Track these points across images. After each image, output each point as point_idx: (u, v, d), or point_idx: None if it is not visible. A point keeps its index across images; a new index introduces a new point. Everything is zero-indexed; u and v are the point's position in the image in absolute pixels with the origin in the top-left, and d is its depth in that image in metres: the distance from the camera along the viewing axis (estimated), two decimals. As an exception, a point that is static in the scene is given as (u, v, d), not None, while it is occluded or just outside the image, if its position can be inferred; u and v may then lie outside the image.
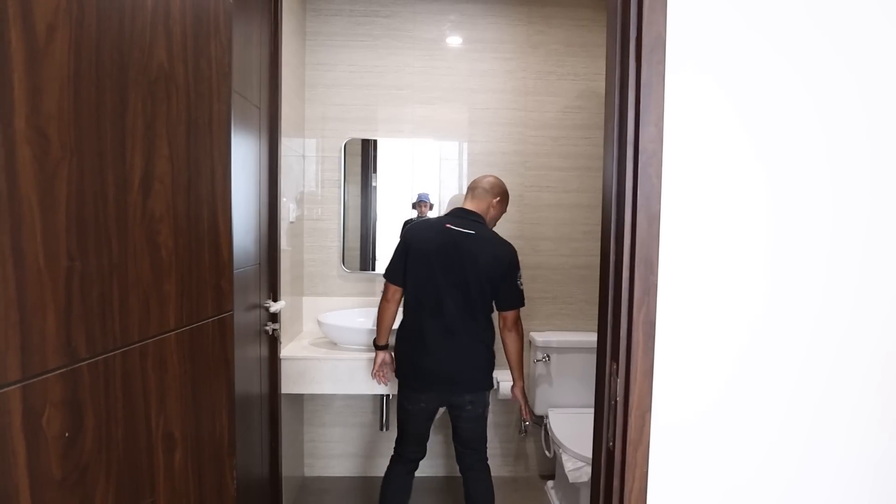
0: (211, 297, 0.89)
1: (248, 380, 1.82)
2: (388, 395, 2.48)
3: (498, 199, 2.06)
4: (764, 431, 1.02)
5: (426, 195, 2.68)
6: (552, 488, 2.59)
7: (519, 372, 2.05)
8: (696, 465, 1.03)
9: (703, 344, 1.01)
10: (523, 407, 2.10)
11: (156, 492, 0.76)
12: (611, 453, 1.08)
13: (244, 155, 1.74)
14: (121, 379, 0.68)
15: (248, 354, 1.82)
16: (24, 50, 0.53)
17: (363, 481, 2.67)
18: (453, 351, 1.91)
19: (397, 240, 2.09)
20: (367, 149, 2.65)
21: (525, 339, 2.71)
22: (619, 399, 1.04)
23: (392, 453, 2.10)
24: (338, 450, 2.75)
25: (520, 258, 2.68)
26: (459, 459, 2.07)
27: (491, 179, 2.07)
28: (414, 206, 2.67)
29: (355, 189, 2.67)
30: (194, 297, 0.84)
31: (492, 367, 2.00)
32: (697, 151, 0.99)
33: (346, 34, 2.61)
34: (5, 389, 0.52)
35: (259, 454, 2.00)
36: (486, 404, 2.01)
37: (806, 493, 1.03)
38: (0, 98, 0.51)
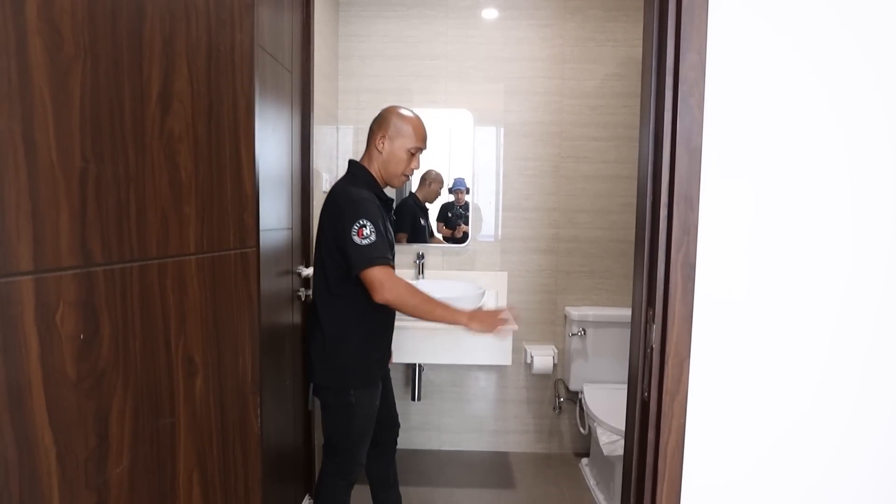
0: (233, 230, 0.88)
1: (281, 346, 1.84)
2: (419, 365, 2.47)
3: (380, 134, 1.61)
4: (809, 378, 0.94)
5: (461, 181, 2.62)
6: (587, 465, 2.53)
7: (441, 311, 1.50)
8: (738, 417, 0.96)
9: (748, 287, 0.94)
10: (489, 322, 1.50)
11: (176, 413, 0.76)
12: (646, 404, 1.03)
13: (275, 116, 1.74)
14: (138, 292, 0.68)
15: (281, 320, 1.84)
16: (33, -64, 0.53)
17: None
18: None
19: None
20: (401, 120, 2.62)
21: (560, 314, 2.65)
22: (656, 347, 0.99)
23: (339, 480, 1.67)
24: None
25: (555, 231, 2.63)
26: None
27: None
28: (451, 191, 2.62)
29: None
30: (215, 225, 0.83)
31: (337, 358, 1.59)
32: (744, 79, 0.92)
33: (379, 4, 2.59)
34: (17, 279, 0.52)
35: (293, 420, 2.02)
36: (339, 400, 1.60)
37: (854, 439, 0.95)
38: (9, -18, 0.51)
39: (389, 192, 2.23)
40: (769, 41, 0.90)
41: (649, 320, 1.01)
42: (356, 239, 1.46)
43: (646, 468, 1.02)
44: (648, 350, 1.01)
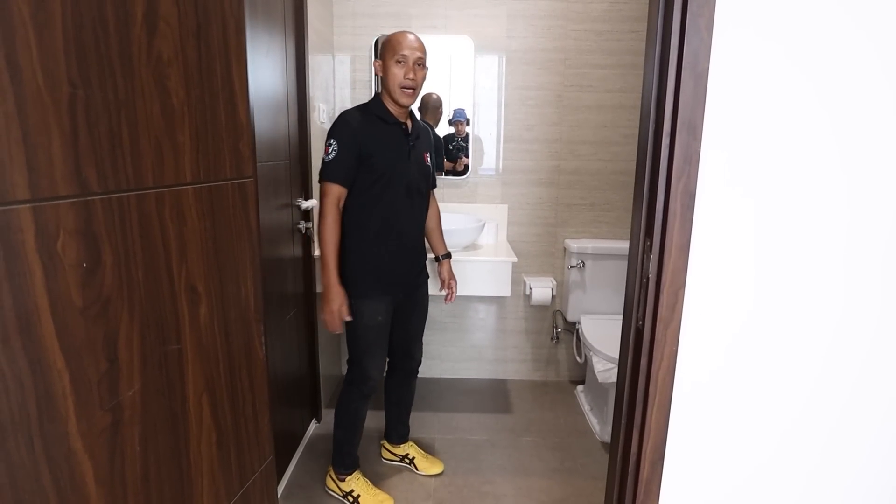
0: (229, 159, 0.87)
1: (283, 279, 1.86)
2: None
3: (376, 61, 1.66)
4: (800, 313, 0.96)
5: (462, 112, 2.56)
6: (581, 392, 2.63)
7: (325, 267, 1.60)
8: (732, 350, 0.99)
9: (750, 218, 0.94)
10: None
11: (182, 340, 0.78)
12: (640, 332, 1.05)
13: (268, 42, 1.67)
14: (137, 221, 0.68)
15: (282, 253, 1.85)
16: None
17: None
18: None
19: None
20: (399, 47, 2.52)
21: (559, 246, 2.67)
22: (652, 276, 1.00)
23: (353, 389, 1.79)
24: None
25: (557, 163, 2.60)
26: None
27: None
28: (451, 123, 2.56)
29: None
30: (211, 154, 0.82)
31: (343, 267, 1.67)
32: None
33: (374, -82, 2.42)
34: (15, 207, 0.52)
35: (297, 351, 2.08)
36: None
37: (843, 368, 0.99)
38: None
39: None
40: (786, -44, 0.85)
41: (647, 250, 1.01)
42: (323, 154, 1.62)
43: (637, 393, 1.06)
44: (645, 279, 1.02)
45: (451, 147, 2.59)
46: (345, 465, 1.83)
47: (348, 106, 2.58)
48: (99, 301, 0.63)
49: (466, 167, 2.60)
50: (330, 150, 1.59)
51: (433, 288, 2.00)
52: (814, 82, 0.88)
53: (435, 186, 1.90)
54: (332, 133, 1.60)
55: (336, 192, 1.59)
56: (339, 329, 1.65)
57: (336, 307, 1.61)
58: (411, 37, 1.61)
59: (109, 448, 0.66)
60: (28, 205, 0.53)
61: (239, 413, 0.95)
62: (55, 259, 0.57)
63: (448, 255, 1.97)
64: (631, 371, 1.09)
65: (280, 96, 1.80)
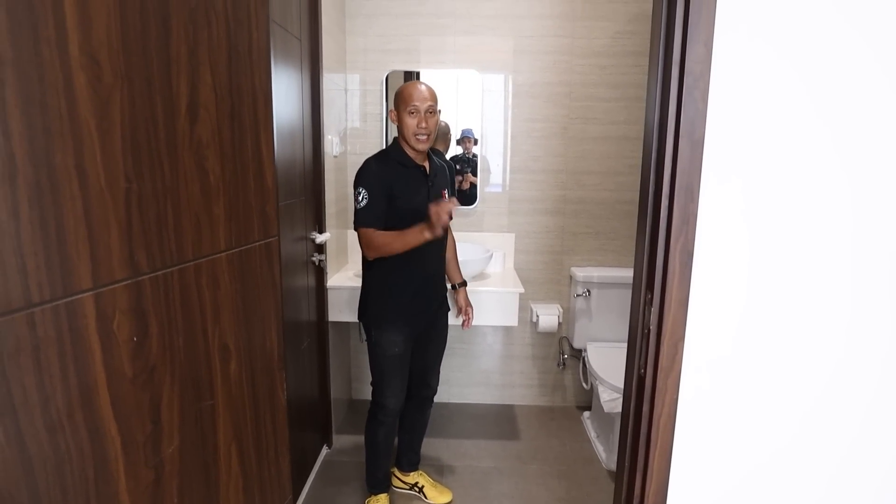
0: (257, 222, 0.94)
1: (296, 307, 1.93)
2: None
3: (392, 112, 1.77)
4: (801, 370, 1.01)
5: (469, 131, 2.64)
6: (588, 418, 2.67)
7: (410, 237, 1.65)
8: (728, 396, 1.04)
9: (744, 276, 0.99)
10: None
11: (214, 395, 0.84)
12: (642, 380, 1.10)
13: (286, 88, 1.75)
14: (179, 293, 0.75)
15: (296, 284, 1.92)
16: (72, -24, 0.56)
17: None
18: None
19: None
20: (410, 80, 2.61)
21: (566, 274, 2.73)
22: (653, 328, 1.06)
23: (372, 416, 1.93)
24: (356, 375, 2.89)
25: (563, 192, 2.66)
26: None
27: None
28: (458, 142, 2.65)
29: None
30: (242, 221, 0.89)
31: (366, 300, 1.84)
32: (750, 74, 0.94)
33: (386, -41, 2.52)
34: (80, 296, 0.59)
35: (309, 377, 2.14)
36: (368, 338, 1.85)
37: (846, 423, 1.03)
38: (55, 27, 0.54)
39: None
40: (776, 37, 0.92)
41: (647, 303, 1.07)
42: (355, 203, 1.72)
43: (640, 437, 1.11)
44: (646, 331, 1.08)
45: (457, 166, 2.66)
46: (370, 485, 2.00)
47: (360, 139, 2.67)
48: (146, 370, 0.69)
49: (473, 186, 2.66)
50: (360, 198, 1.69)
51: (451, 316, 2.07)
52: (802, 151, 0.94)
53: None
54: (360, 181, 1.70)
55: (373, 235, 1.70)
56: (446, 220, 1.60)
57: (438, 215, 1.57)
58: (422, 87, 1.71)
59: (152, 502, 0.72)
60: (91, 293, 0.60)
61: (263, 457, 1.01)
62: (111, 337, 0.63)
63: (464, 283, 2.07)
64: (634, 416, 1.14)
65: (297, 133, 1.88)
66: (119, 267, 0.64)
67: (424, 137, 1.70)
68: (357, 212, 1.70)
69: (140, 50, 0.66)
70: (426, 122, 1.69)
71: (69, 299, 0.57)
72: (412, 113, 1.69)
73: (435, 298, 1.90)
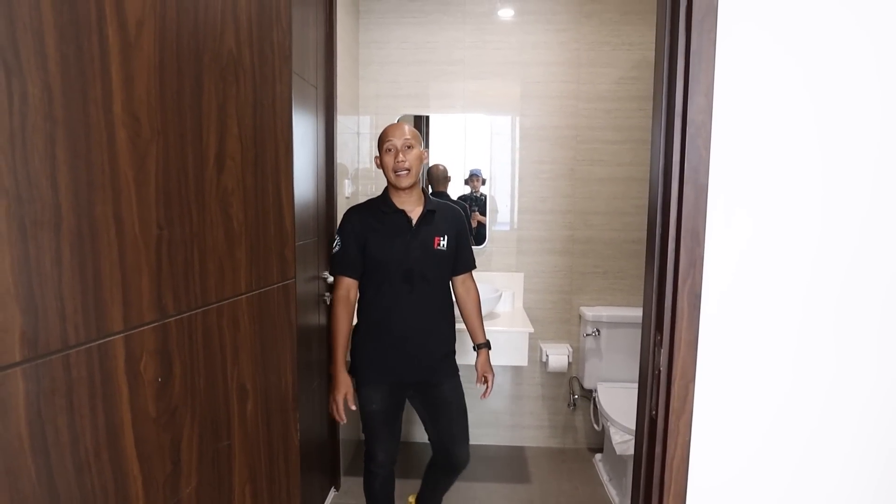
0: (276, 265, 0.97)
1: (307, 348, 1.94)
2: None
3: (377, 156, 1.82)
4: (815, 401, 1.01)
5: (478, 170, 2.71)
6: (600, 461, 2.62)
7: (334, 353, 1.75)
8: (741, 437, 1.04)
9: (751, 316, 1.01)
10: None
11: (231, 435, 0.86)
12: (653, 421, 1.10)
13: (302, 133, 1.82)
14: (201, 335, 0.77)
15: (307, 322, 1.94)
16: (119, 44, 0.61)
17: (411, 447, 2.78)
18: None
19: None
20: (420, 125, 2.69)
21: (575, 313, 2.73)
22: (663, 369, 1.06)
23: (366, 466, 1.85)
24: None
25: (571, 233, 2.69)
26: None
27: None
28: (466, 181, 2.71)
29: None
30: (261, 264, 0.93)
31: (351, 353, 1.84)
32: (749, 122, 0.98)
33: (398, 11, 2.64)
34: (112, 338, 0.62)
35: (319, 417, 2.13)
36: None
37: (849, 453, 1.02)
38: (102, 87, 0.59)
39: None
40: (782, 75, 0.96)
41: (657, 344, 1.08)
42: (332, 250, 1.79)
43: (653, 479, 1.10)
44: (657, 372, 1.09)
45: (465, 204, 2.70)
46: None
47: (371, 180, 2.74)
48: (169, 410, 0.71)
49: (481, 225, 2.70)
50: (335, 245, 1.75)
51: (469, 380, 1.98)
52: (805, 187, 0.97)
53: (467, 270, 1.87)
54: (338, 229, 1.77)
55: (345, 283, 1.74)
56: (343, 418, 1.73)
57: (340, 396, 1.70)
58: (398, 124, 1.73)
59: (169, 544, 0.73)
60: (121, 335, 0.63)
61: (275, 498, 1.01)
62: (138, 378, 0.66)
63: (484, 345, 1.88)
64: (646, 458, 1.13)
65: (311, 175, 1.94)
66: (148, 310, 0.67)
67: (405, 173, 1.67)
68: (331, 258, 1.78)
69: (175, 106, 0.71)
70: (404, 156, 1.66)
71: (102, 341, 0.60)
72: (388, 150, 1.69)
73: (416, 357, 1.75)
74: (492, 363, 1.92)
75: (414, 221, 1.73)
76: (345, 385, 1.71)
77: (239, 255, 0.86)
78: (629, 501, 1.77)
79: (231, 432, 0.86)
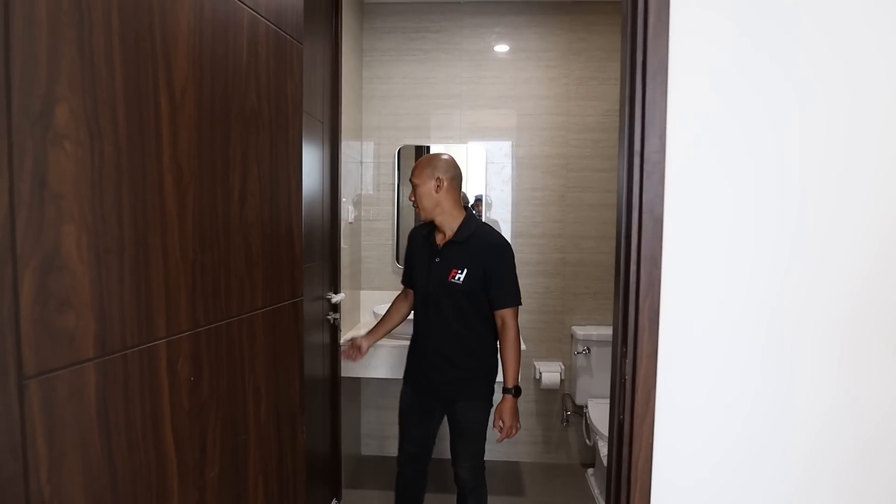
0: (287, 285, 1.12)
1: (312, 364, 2.08)
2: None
3: None
4: (757, 418, 1.14)
5: (482, 196, 2.87)
6: (592, 475, 2.72)
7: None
8: (699, 439, 1.16)
9: (704, 329, 1.14)
10: None
11: (248, 431, 1.00)
12: (622, 425, 1.23)
13: (309, 163, 1.99)
14: (225, 343, 0.92)
15: (312, 341, 2.08)
16: (168, 108, 0.77)
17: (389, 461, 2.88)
18: None
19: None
20: (420, 154, 2.87)
21: (567, 333, 2.86)
22: (628, 377, 1.20)
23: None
24: (392, 431, 2.98)
25: (562, 256, 2.84)
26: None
27: None
28: (472, 207, 2.86)
29: (408, 191, 2.90)
30: (275, 284, 1.07)
31: None
32: (697, 159, 1.13)
33: (399, 49, 2.84)
34: (157, 343, 0.76)
35: (322, 431, 2.25)
36: None
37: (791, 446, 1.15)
38: (155, 142, 0.75)
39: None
40: (723, 121, 1.11)
41: (623, 355, 1.22)
42: None
43: (621, 478, 1.22)
44: (623, 380, 1.22)
45: None
46: None
47: (373, 206, 2.91)
48: (198, 405, 0.85)
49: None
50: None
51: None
52: (748, 216, 1.12)
53: (500, 307, 1.83)
54: None
55: (404, 288, 2.09)
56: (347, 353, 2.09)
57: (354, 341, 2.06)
58: (416, 163, 1.91)
59: (196, 520, 0.86)
60: (164, 340, 0.78)
61: (284, 493, 1.14)
62: (175, 376, 0.80)
63: (512, 391, 1.82)
64: (616, 459, 1.26)
65: (317, 202, 2.10)
66: (184, 320, 0.82)
67: (417, 209, 1.89)
68: None
69: (208, 154, 0.87)
70: (413, 195, 1.88)
71: (150, 344, 0.75)
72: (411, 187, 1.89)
73: (433, 374, 1.87)
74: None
75: (439, 250, 1.86)
76: (359, 339, 2.05)
77: (256, 276, 1.01)
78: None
79: (247, 428, 1.00)
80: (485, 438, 1.91)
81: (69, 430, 0.63)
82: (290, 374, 1.15)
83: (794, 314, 1.12)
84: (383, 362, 2.49)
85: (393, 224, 2.90)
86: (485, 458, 1.94)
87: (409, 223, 2.89)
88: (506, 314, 1.84)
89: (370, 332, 2.08)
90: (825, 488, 1.15)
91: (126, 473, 0.71)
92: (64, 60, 0.61)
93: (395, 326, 2.11)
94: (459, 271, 1.81)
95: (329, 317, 2.27)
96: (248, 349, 0.99)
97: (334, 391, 2.36)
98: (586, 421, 2.74)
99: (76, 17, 0.62)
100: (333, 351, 2.35)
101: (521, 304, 1.87)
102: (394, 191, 2.89)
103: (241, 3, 0.95)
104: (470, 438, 1.89)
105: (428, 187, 1.83)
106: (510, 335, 1.84)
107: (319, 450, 2.22)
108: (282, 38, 1.09)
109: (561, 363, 2.83)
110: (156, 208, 0.75)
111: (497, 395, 1.87)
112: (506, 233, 2.88)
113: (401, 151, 2.87)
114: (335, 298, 2.26)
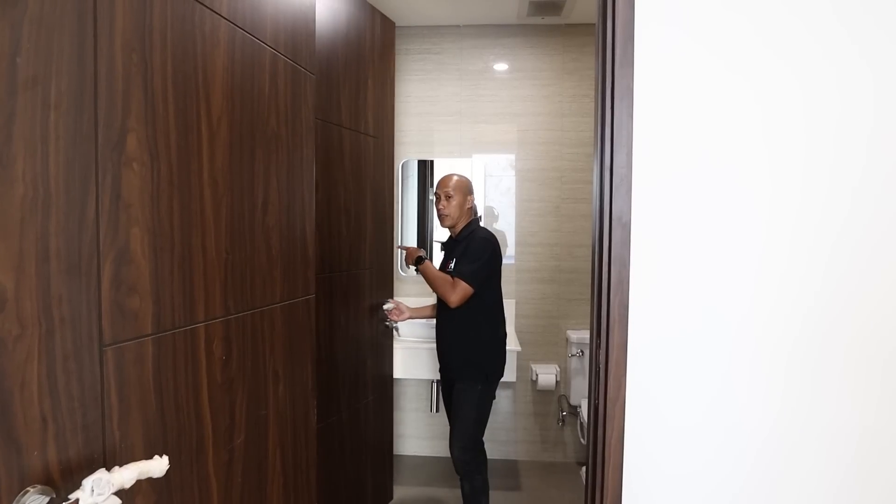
0: (301, 283, 1.29)
1: (376, 363, 2.25)
2: (436, 380, 2.84)
3: None
4: (711, 385, 1.29)
5: (491, 209, 3.05)
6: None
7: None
8: (666, 422, 1.31)
9: (670, 322, 1.30)
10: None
11: (268, 407, 1.16)
12: (597, 409, 1.38)
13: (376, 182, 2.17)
14: (250, 329, 1.09)
15: (382, 342, 2.25)
16: (207, 134, 0.95)
17: (421, 460, 3.03)
18: None
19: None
20: (424, 168, 3.05)
21: (562, 336, 3.01)
22: (602, 366, 1.35)
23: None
24: (424, 431, 3.12)
25: (557, 263, 3.00)
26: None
27: None
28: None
29: (412, 203, 3.08)
30: (291, 281, 1.24)
31: None
32: (661, 174, 1.29)
33: (402, 70, 3.03)
34: (198, 325, 0.93)
35: (385, 429, 2.41)
36: None
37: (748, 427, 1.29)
38: (197, 162, 0.92)
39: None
40: (683, 139, 1.27)
41: (598, 346, 1.37)
42: None
43: (597, 457, 1.37)
44: (598, 369, 1.37)
45: None
46: None
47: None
48: (228, 380, 1.02)
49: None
50: None
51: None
52: (706, 226, 1.27)
53: (454, 275, 2.15)
54: None
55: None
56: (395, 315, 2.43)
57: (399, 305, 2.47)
58: (446, 177, 2.21)
59: (225, 475, 1.02)
60: (203, 324, 0.94)
61: (298, 466, 1.30)
62: (211, 355, 0.97)
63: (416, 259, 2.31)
64: (593, 440, 1.41)
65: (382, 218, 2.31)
66: (219, 308, 0.99)
67: (443, 217, 2.20)
68: None
69: (238, 170, 1.04)
70: (444, 204, 2.17)
71: (192, 326, 0.92)
72: (437, 197, 2.20)
73: (441, 359, 2.30)
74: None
75: (446, 247, 2.34)
76: (403, 304, 2.49)
77: (276, 274, 1.18)
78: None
79: (268, 405, 1.16)
80: (478, 423, 2.14)
81: (133, 389, 0.79)
82: (304, 360, 1.31)
83: (749, 308, 1.28)
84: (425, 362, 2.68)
85: (398, 233, 3.07)
86: (486, 459, 2.18)
87: (413, 233, 3.06)
88: (457, 281, 2.12)
89: (416, 308, 2.45)
90: (782, 471, 1.29)
91: (173, 429, 0.88)
92: (133, 100, 0.79)
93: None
94: (452, 262, 2.21)
95: (388, 323, 2.46)
96: (268, 337, 1.16)
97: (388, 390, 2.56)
98: (580, 421, 2.87)
99: (142, 66, 0.80)
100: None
101: (473, 287, 2.10)
102: (398, 203, 3.06)
103: (265, 43, 1.13)
104: (461, 419, 2.16)
105: (460, 200, 2.21)
106: (452, 297, 2.10)
107: (379, 447, 2.46)
108: (297, 70, 1.27)
109: (557, 366, 2.98)
110: (197, 215, 0.93)
111: (498, 396, 2.03)
112: (513, 243, 3.04)
113: (404, 166, 3.05)
114: (386, 306, 2.45)
